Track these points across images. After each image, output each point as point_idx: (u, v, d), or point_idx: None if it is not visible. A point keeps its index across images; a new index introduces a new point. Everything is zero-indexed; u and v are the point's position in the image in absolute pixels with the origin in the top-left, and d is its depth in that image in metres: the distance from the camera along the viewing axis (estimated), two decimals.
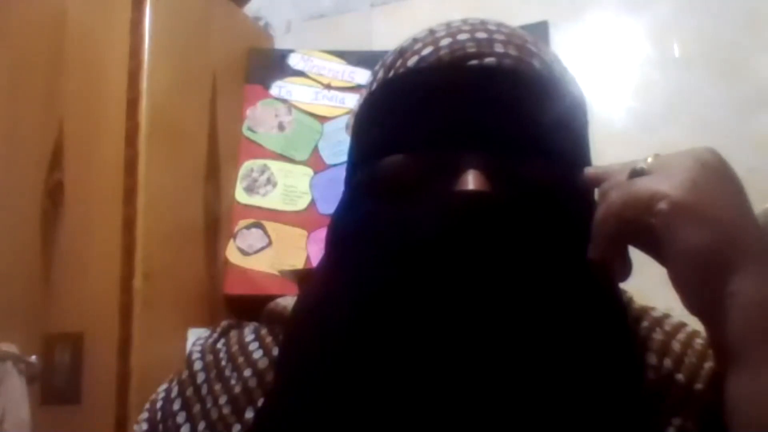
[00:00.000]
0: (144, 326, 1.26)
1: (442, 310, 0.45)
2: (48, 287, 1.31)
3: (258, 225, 1.50)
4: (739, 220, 0.44)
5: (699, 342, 0.54)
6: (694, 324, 0.50)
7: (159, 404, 0.59)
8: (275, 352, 0.57)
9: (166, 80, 1.38)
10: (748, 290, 0.42)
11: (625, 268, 0.48)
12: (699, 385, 0.51)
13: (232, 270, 1.46)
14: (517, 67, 0.52)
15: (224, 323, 0.63)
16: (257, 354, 0.57)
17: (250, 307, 0.75)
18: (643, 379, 0.52)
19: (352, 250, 0.51)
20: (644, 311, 0.57)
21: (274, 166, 1.54)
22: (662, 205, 0.43)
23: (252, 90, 1.60)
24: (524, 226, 0.48)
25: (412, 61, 0.53)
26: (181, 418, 0.56)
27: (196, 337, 0.64)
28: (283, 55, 1.63)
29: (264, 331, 0.59)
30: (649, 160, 0.47)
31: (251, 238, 1.49)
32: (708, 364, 0.52)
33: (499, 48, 0.52)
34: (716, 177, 0.45)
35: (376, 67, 0.57)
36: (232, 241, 1.48)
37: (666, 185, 0.44)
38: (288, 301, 0.59)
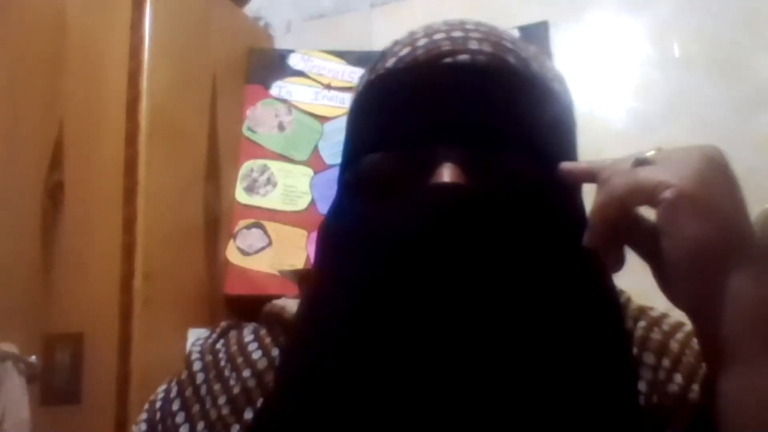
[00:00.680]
0: (144, 326, 1.26)
1: (420, 305, 0.45)
2: (48, 287, 1.31)
3: (258, 225, 1.50)
4: (740, 218, 0.44)
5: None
6: None
7: (158, 404, 0.59)
8: (274, 352, 0.57)
9: (166, 80, 1.38)
10: (744, 288, 0.42)
11: (618, 259, 0.48)
12: (696, 385, 0.51)
13: (232, 270, 1.47)
14: (491, 62, 0.52)
15: (223, 324, 0.63)
16: (256, 354, 0.57)
17: (250, 307, 0.75)
18: (641, 379, 0.52)
19: (338, 249, 0.52)
20: (642, 311, 0.57)
21: (274, 166, 1.54)
22: (668, 194, 0.43)
23: (252, 90, 1.60)
24: (501, 217, 0.48)
25: (390, 63, 0.54)
26: (180, 418, 0.56)
27: (196, 337, 0.64)
28: (283, 55, 1.63)
29: (263, 332, 0.59)
30: (653, 152, 0.47)
31: (251, 238, 1.49)
32: None
33: (473, 45, 0.53)
34: (720, 173, 0.45)
35: (364, 70, 0.58)
36: (232, 241, 1.48)
37: (672, 175, 0.44)
38: (286, 302, 0.59)
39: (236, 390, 0.55)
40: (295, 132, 1.57)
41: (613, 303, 0.52)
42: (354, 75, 1.57)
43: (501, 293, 0.46)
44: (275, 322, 0.59)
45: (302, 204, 1.51)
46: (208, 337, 0.62)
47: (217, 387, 0.56)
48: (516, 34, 1.57)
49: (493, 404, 0.44)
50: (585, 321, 0.48)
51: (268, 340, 0.58)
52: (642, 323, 0.56)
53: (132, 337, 1.24)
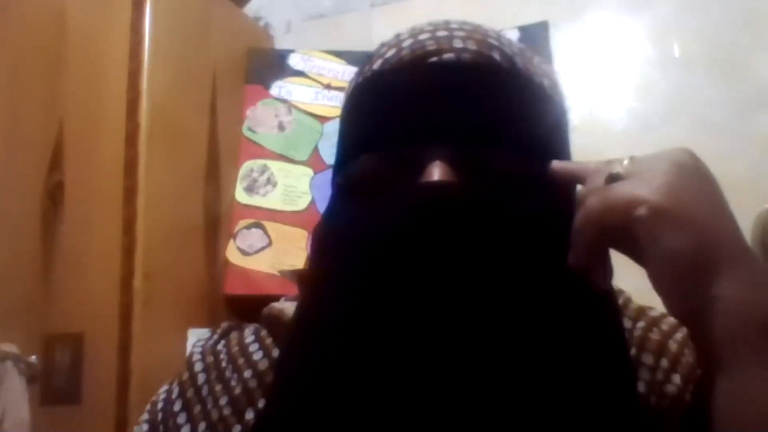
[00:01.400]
0: (144, 326, 1.26)
1: (413, 304, 0.45)
2: (48, 287, 1.31)
3: (258, 225, 1.50)
4: (718, 222, 0.44)
5: None
6: None
7: (160, 405, 0.59)
8: (275, 353, 0.57)
9: (166, 80, 1.38)
10: (729, 294, 0.42)
11: (605, 274, 0.48)
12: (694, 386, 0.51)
13: (232, 270, 1.47)
14: (476, 60, 0.52)
15: (224, 324, 0.63)
16: (257, 355, 0.57)
17: (250, 307, 0.75)
18: (639, 380, 0.52)
19: (331, 250, 0.52)
20: (642, 311, 0.57)
21: (274, 166, 1.54)
22: (641, 211, 0.43)
23: (252, 90, 1.60)
24: (491, 215, 0.48)
25: (377, 65, 0.55)
26: (181, 419, 0.56)
27: (196, 337, 0.64)
28: (283, 55, 1.63)
29: (264, 333, 0.59)
30: (625, 162, 0.47)
31: (251, 238, 1.49)
32: None
33: (458, 43, 0.53)
34: (693, 179, 0.45)
35: (355, 73, 0.59)
36: (232, 241, 1.48)
37: (644, 190, 0.44)
38: (284, 305, 0.59)
39: (237, 391, 0.55)
40: (295, 132, 1.57)
41: (608, 302, 0.52)
42: None
43: (494, 291, 0.46)
44: (275, 324, 0.59)
45: (302, 204, 1.51)
46: (209, 338, 0.62)
47: (218, 388, 0.56)
48: (516, 34, 1.58)
49: (490, 403, 0.43)
50: (580, 321, 0.48)
51: (269, 340, 0.58)
52: (641, 323, 0.56)
53: (132, 337, 1.24)
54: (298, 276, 1.38)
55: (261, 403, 0.54)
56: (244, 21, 1.73)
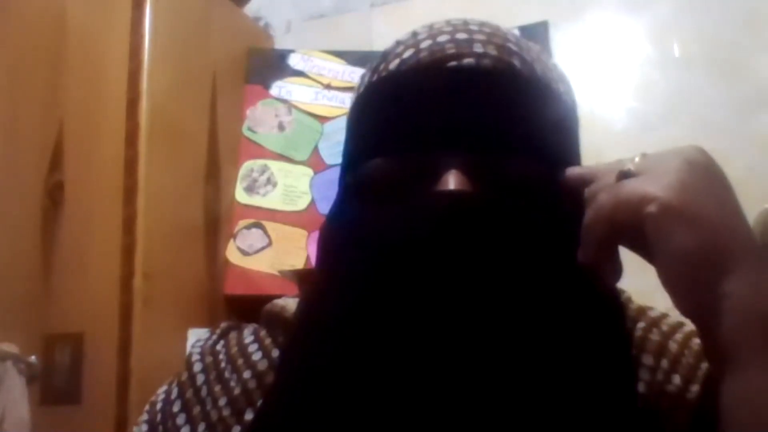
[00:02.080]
0: (144, 326, 1.26)
1: (423, 311, 0.45)
2: (48, 287, 1.31)
3: (258, 225, 1.50)
4: (728, 220, 0.44)
5: (696, 342, 0.54)
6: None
7: (159, 406, 0.59)
8: (274, 353, 0.57)
9: (166, 80, 1.38)
10: (739, 292, 0.42)
11: (615, 272, 0.48)
12: (695, 386, 0.51)
13: (232, 270, 1.47)
14: (496, 66, 0.52)
15: (223, 325, 0.63)
16: (256, 356, 0.57)
17: (250, 307, 0.75)
18: (639, 380, 0.52)
19: (339, 252, 0.52)
20: (642, 311, 0.57)
21: (274, 166, 1.54)
22: (652, 208, 0.43)
23: (252, 90, 1.60)
24: (506, 224, 0.47)
25: (393, 64, 0.54)
26: (181, 419, 0.56)
27: (196, 337, 0.64)
28: (283, 55, 1.63)
29: (263, 333, 0.59)
30: (637, 159, 0.46)
31: (251, 238, 1.49)
32: (705, 365, 0.52)
33: (478, 48, 0.52)
34: (705, 176, 0.45)
35: (365, 70, 0.58)
36: (232, 241, 1.48)
37: (655, 187, 0.44)
38: (286, 302, 0.59)
39: (237, 391, 0.55)
40: (295, 132, 1.57)
41: (613, 306, 0.52)
42: (354, 75, 1.57)
43: (505, 300, 0.46)
44: (275, 321, 0.59)
45: (302, 204, 1.51)
46: (208, 339, 0.62)
47: (217, 388, 0.56)
48: (516, 34, 1.57)
49: (493, 406, 0.44)
50: (586, 324, 0.48)
51: (268, 341, 0.58)
52: (641, 324, 0.56)
53: (132, 337, 1.24)
54: (299, 276, 1.38)
55: (260, 404, 0.54)
56: (244, 21, 1.73)
